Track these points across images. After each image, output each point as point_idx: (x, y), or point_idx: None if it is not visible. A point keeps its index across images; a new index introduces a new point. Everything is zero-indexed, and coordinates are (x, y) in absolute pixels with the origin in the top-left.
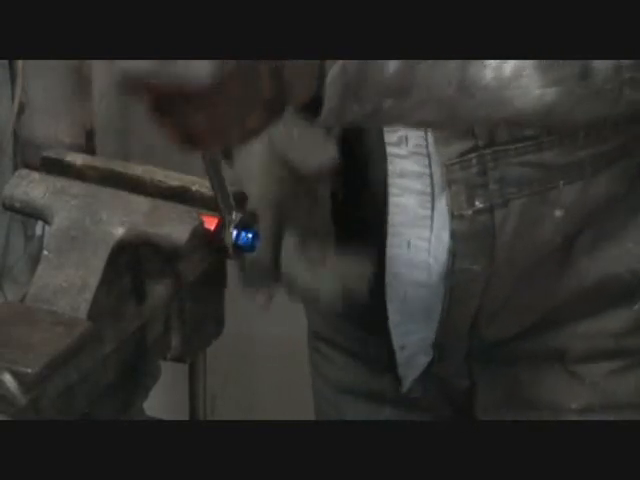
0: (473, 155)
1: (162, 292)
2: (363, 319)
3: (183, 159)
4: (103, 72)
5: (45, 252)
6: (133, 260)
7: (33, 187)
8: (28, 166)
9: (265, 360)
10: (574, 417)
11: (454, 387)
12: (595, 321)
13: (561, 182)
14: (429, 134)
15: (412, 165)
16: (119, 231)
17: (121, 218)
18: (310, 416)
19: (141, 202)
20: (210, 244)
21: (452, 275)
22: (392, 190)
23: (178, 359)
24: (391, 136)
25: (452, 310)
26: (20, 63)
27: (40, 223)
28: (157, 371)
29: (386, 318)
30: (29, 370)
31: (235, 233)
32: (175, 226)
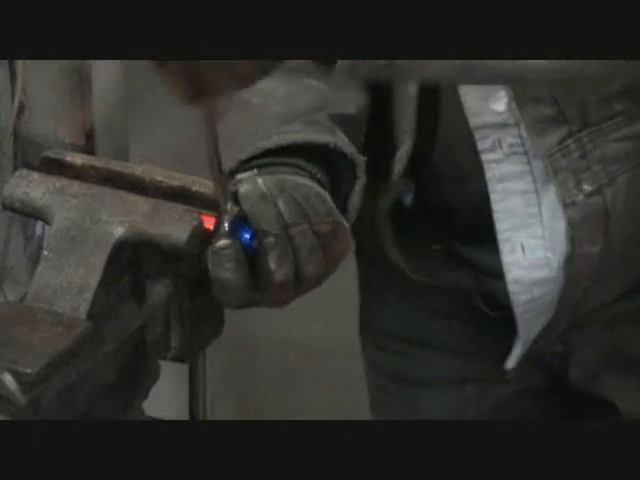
0: (570, 140)
1: (162, 292)
2: (491, 329)
3: (183, 159)
4: (103, 72)
5: (45, 252)
6: (133, 260)
7: (33, 187)
8: (28, 166)
9: (265, 360)
10: None
11: (546, 356)
12: None
13: None
14: (522, 131)
15: (511, 166)
16: (119, 231)
17: (121, 218)
18: (309, 416)
19: (141, 202)
20: (210, 244)
21: (572, 261)
22: (494, 197)
23: (178, 359)
24: (484, 142)
25: (569, 293)
26: (20, 63)
27: (40, 223)
28: (157, 371)
29: (514, 322)
30: (29, 370)
31: (231, 230)
32: (175, 226)
